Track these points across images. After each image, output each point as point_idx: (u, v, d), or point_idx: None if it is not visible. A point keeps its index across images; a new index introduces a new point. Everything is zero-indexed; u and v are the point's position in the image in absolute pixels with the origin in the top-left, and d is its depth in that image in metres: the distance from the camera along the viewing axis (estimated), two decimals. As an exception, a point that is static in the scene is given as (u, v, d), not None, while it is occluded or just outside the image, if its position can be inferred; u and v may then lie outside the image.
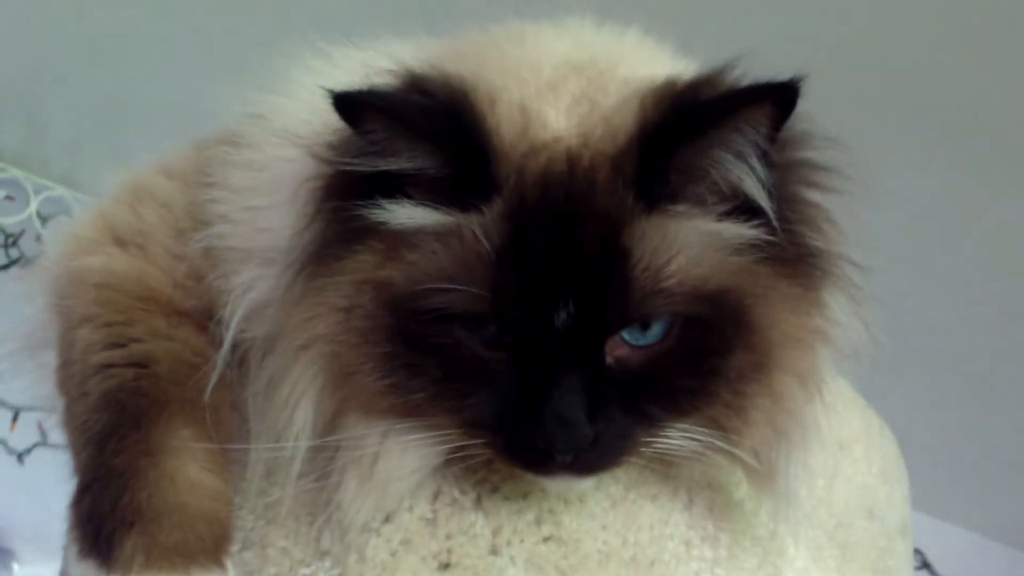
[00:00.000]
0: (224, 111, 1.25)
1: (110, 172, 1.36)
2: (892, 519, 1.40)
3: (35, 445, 3.42)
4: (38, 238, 3.33)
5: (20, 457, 3.78)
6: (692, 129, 1.02)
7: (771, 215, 1.05)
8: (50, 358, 1.25)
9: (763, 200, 1.04)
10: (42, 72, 3.08)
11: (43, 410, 1.38)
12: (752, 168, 1.03)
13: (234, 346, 1.13)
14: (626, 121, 1.05)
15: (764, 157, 1.03)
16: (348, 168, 1.05)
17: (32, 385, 1.34)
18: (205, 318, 1.18)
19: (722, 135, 1.02)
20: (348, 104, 1.01)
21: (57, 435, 1.23)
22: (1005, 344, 3.59)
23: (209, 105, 1.23)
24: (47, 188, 3.42)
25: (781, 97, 1.01)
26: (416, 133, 1.02)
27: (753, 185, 1.03)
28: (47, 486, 1.20)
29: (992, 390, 3.80)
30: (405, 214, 1.03)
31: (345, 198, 1.06)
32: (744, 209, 1.06)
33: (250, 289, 1.12)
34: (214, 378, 1.13)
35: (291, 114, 1.17)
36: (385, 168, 1.03)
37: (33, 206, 3.38)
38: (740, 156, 1.03)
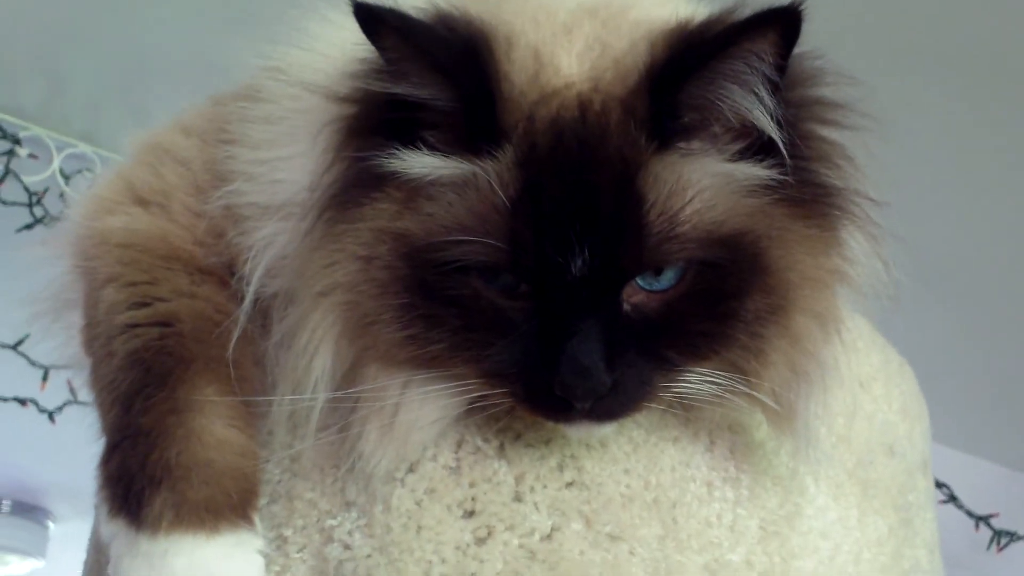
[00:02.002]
0: (241, 65, 1.26)
1: (129, 132, 1.37)
2: (912, 455, 1.41)
3: (66, 403, 3.45)
4: (62, 196, 3.33)
5: (51, 416, 3.81)
6: (698, 63, 1.02)
7: (782, 147, 1.05)
8: (76, 319, 1.27)
9: (773, 131, 1.04)
10: (62, 29, 3.07)
11: (72, 369, 1.40)
12: (760, 99, 1.03)
13: (256, 301, 1.15)
14: (636, 62, 1.05)
15: (772, 87, 1.03)
16: (365, 94, 1.07)
17: (60, 346, 1.35)
18: (227, 274, 1.19)
19: (727, 66, 1.02)
20: (368, 17, 1.02)
21: (86, 393, 1.25)
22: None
23: (227, 60, 1.24)
24: (70, 145, 3.42)
25: (784, 23, 1.00)
26: (428, 61, 1.02)
27: (762, 116, 1.03)
28: (79, 444, 1.22)
29: (1015, 321, 3.79)
30: (420, 163, 1.04)
31: (364, 142, 1.07)
32: (757, 149, 1.07)
33: (271, 244, 1.13)
34: (236, 333, 1.14)
35: (308, 65, 1.18)
36: (399, 94, 1.04)
37: (56, 164, 3.38)
38: (747, 87, 1.03)
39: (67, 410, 3.50)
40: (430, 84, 1.03)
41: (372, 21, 1.02)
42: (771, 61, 1.02)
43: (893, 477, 1.36)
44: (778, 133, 1.04)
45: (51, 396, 3.71)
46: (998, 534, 4.25)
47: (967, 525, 4.14)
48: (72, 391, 3.26)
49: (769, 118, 1.04)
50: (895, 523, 1.33)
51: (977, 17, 2.68)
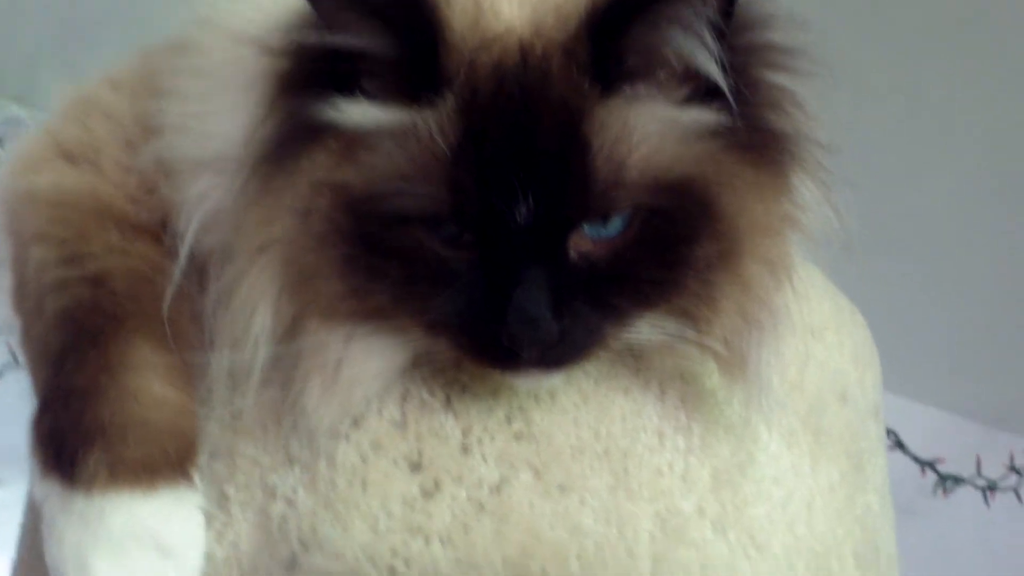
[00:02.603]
0: (173, 17, 1.22)
1: (57, 88, 1.32)
2: (864, 402, 1.40)
3: (5, 367, 3.39)
4: (-6, 158, 3.26)
5: (-9, 379, 3.75)
6: (639, 7, 0.99)
7: (728, 92, 1.02)
8: (5, 280, 1.23)
9: (718, 77, 1.02)
10: (-8, -13, 3.01)
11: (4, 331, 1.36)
12: (704, 43, 1.00)
13: (192, 258, 1.11)
14: (577, 7, 1.03)
15: (717, 32, 1.01)
16: (300, 48, 1.04)
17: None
18: (160, 231, 1.16)
19: (670, 9, 0.99)
20: None
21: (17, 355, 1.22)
22: (973, 223, 3.59)
23: (165, 15, 1.20)
24: (2, 107, 3.35)
25: None
26: (367, 8, 0.99)
27: (707, 61, 1.01)
28: (23, 407, 1.18)
29: (961, 269, 3.81)
30: (359, 112, 1.02)
31: (299, 93, 1.04)
32: (705, 93, 1.04)
33: (205, 199, 1.10)
34: (171, 291, 1.11)
35: (239, 15, 1.14)
36: (335, 44, 1.01)
37: (-11, 126, 3.32)
38: (692, 31, 1.00)
39: (8, 374, 3.44)
40: (370, 33, 1.00)
41: None
42: (716, 5, 0.99)
43: (845, 424, 1.35)
44: (723, 78, 1.02)
45: (-9, 359, 3.65)
46: (944, 479, 4.29)
47: (914, 471, 4.18)
48: (13, 354, 3.20)
49: (715, 63, 1.01)
50: (847, 469, 1.32)
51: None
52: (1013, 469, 4.35)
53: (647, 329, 1.09)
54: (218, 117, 1.11)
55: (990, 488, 4.33)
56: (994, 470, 4.38)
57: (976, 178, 3.40)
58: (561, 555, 1.10)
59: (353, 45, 1.01)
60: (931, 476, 4.21)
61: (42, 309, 1.11)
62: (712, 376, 1.20)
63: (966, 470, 4.35)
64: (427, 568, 1.09)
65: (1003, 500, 4.35)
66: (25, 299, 1.15)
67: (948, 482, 4.30)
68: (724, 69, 1.02)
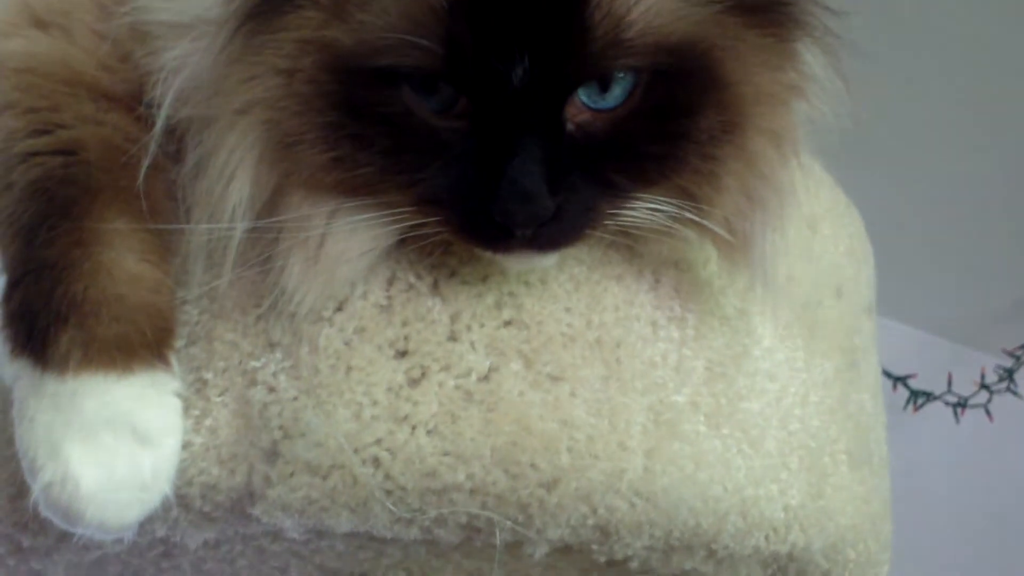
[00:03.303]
0: None
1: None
2: (859, 298, 1.38)
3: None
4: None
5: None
6: None
7: None
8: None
9: None
10: None
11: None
12: None
13: (169, 129, 1.06)
14: None
15: None
16: None
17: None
18: (135, 100, 1.10)
19: None
20: None
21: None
22: (945, 137, 3.57)
23: None
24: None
25: None
26: None
27: None
28: None
29: (935, 185, 3.79)
30: None
31: None
32: None
33: (182, 65, 1.04)
34: (146, 162, 1.05)
35: None
36: None
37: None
38: None
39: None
40: None
41: None
42: None
43: (840, 319, 1.32)
44: None
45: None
46: (915, 394, 4.31)
47: (885, 386, 4.18)
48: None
49: None
50: (841, 365, 1.30)
51: None
52: (984, 386, 4.37)
53: (645, 209, 1.05)
54: None
55: (960, 405, 4.35)
56: (965, 387, 4.41)
57: (958, 91, 3.37)
58: (552, 447, 1.07)
59: None
60: (902, 392, 4.23)
61: (11, 181, 1.06)
62: (708, 264, 1.17)
63: (937, 387, 4.37)
64: (412, 459, 1.05)
65: (973, 417, 4.38)
66: None
67: (919, 398, 4.32)
68: None
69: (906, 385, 4.25)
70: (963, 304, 4.50)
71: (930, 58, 3.15)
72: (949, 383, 4.33)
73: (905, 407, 4.27)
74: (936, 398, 4.35)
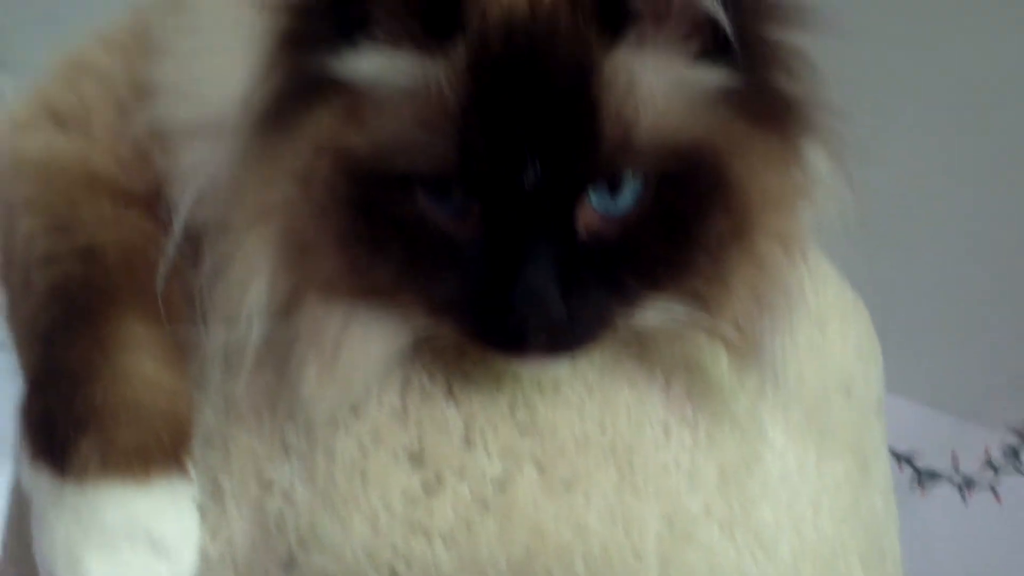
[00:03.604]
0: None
1: (47, 51, 1.27)
2: (868, 397, 1.37)
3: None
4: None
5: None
6: None
7: (734, 42, 1.00)
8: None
9: (721, 17, 0.98)
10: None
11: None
12: None
13: (186, 230, 1.07)
14: None
15: None
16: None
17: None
18: (154, 200, 1.11)
19: None
20: None
21: (4, 331, 1.17)
22: (953, 216, 3.59)
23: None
24: (-20, 74, 3.32)
25: None
26: None
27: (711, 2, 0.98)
28: (3, 388, 1.14)
29: (937, 263, 3.81)
30: (367, 63, 0.98)
31: (302, 48, 1.00)
32: (712, 54, 1.01)
33: (201, 167, 1.05)
34: (165, 266, 1.06)
35: None
36: None
37: (-34, 92, 3.27)
38: None
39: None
40: None
41: None
42: None
43: (850, 420, 1.32)
44: (725, 17, 0.98)
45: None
46: (921, 474, 4.31)
47: (891, 465, 4.18)
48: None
49: (719, 4, 0.98)
50: (852, 467, 1.29)
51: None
52: (989, 465, 4.37)
53: (656, 312, 1.05)
54: (215, 78, 1.06)
55: (967, 485, 4.35)
56: (969, 463, 4.40)
57: (964, 174, 3.39)
58: (566, 556, 1.07)
59: None
60: (908, 471, 4.22)
61: (30, 283, 1.07)
62: (718, 366, 1.16)
63: (941, 463, 4.36)
64: (429, 568, 1.05)
65: (980, 498, 4.37)
66: (12, 272, 1.11)
67: (924, 478, 4.31)
68: (730, 22, 0.99)
69: (912, 465, 4.25)
70: (966, 379, 4.50)
71: (929, 134, 3.17)
72: (955, 464, 4.32)
73: (911, 487, 4.26)
74: (942, 478, 4.34)
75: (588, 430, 1.12)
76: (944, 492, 4.32)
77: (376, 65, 0.98)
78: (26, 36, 3.15)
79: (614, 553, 1.08)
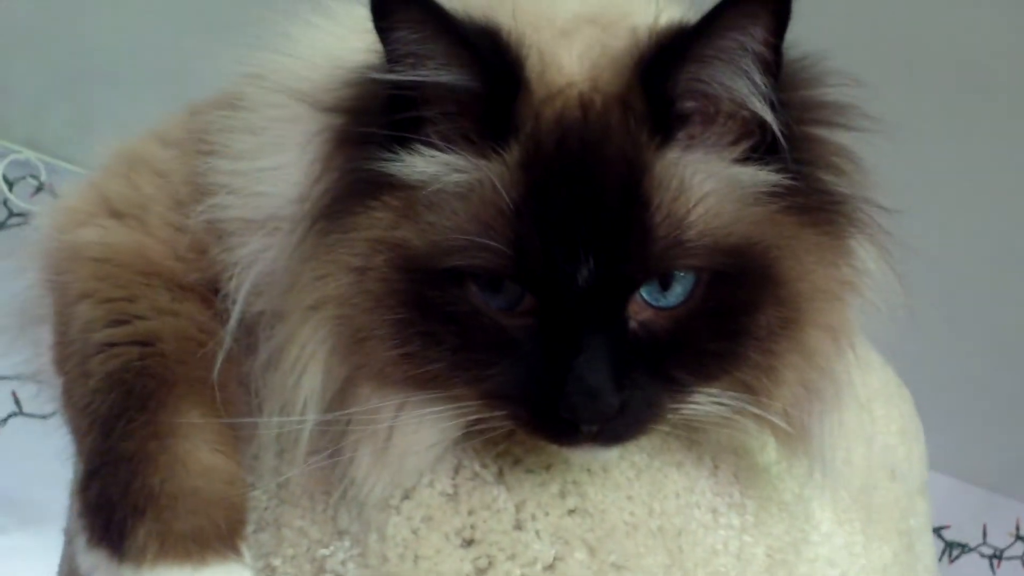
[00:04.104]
0: (218, 72, 1.20)
1: (101, 141, 1.30)
2: (912, 478, 1.38)
3: (10, 415, 3.35)
4: (5, 203, 3.27)
5: (-3, 427, 3.71)
6: (685, 46, 0.99)
7: (782, 142, 1.02)
8: (44, 335, 1.20)
9: (769, 118, 1.00)
10: (3, 33, 2.99)
11: (18, 379, 1.33)
12: (754, 81, 0.99)
13: (241, 321, 1.09)
14: (630, 58, 1.02)
15: (765, 68, 0.99)
16: (361, 97, 1.03)
17: (25, 361, 1.28)
18: (210, 292, 1.14)
19: (716, 46, 0.98)
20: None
21: (33, 405, 1.19)
22: (979, 290, 3.58)
23: (175, 64, 1.18)
24: (12, 151, 3.34)
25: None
26: (456, 37, 0.98)
27: (758, 101, 1.00)
28: (24, 455, 1.16)
29: (965, 335, 3.79)
30: (422, 163, 1.00)
31: (358, 148, 1.03)
32: (762, 153, 1.03)
33: (256, 260, 1.08)
34: (221, 355, 1.08)
35: (292, 72, 1.13)
36: (409, 81, 0.99)
37: (-1, 170, 3.31)
38: (739, 67, 0.99)
39: (11, 421, 3.41)
40: (455, 64, 0.98)
41: (391, 3, 0.97)
42: (761, 37, 0.98)
43: (896, 501, 1.32)
44: (774, 118, 1.01)
45: (-6, 407, 3.60)
46: (950, 545, 4.27)
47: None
48: (17, 402, 3.18)
49: (764, 102, 1.00)
50: (899, 548, 1.30)
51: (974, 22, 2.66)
52: (1019, 538, 4.34)
53: (705, 402, 1.06)
54: (270, 175, 1.10)
55: (996, 557, 4.31)
56: (1000, 538, 4.36)
57: (992, 241, 3.39)
58: (619, 637, 1.07)
59: (433, 80, 0.99)
60: (937, 542, 4.19)
61: (88, 370, 1.09)
62: (766, 451, 1.18)
63: (971, 536, 4.33)
64: None
65: (1009, 568, 4.33)
66: (69, 359, 1.12)
67: (954, 549, 4.28)
68: (778, 122, 1.01)
69: (941, 537, 4.21)
70: (997, 452, 4.47)
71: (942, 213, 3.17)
72: (984, 534, 4.29)
73: (940, 559, 4.22)
74: (972, 550, 4.31)
75: (637, 513, 1.13)
76: (973, 562, 4.28)
77: (430, 166, 1.00)
78: (52, 116, 3.20)
79: (666, 634, 1.08)
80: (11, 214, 3.34)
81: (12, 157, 3.37)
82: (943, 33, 2.71)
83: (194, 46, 1.16)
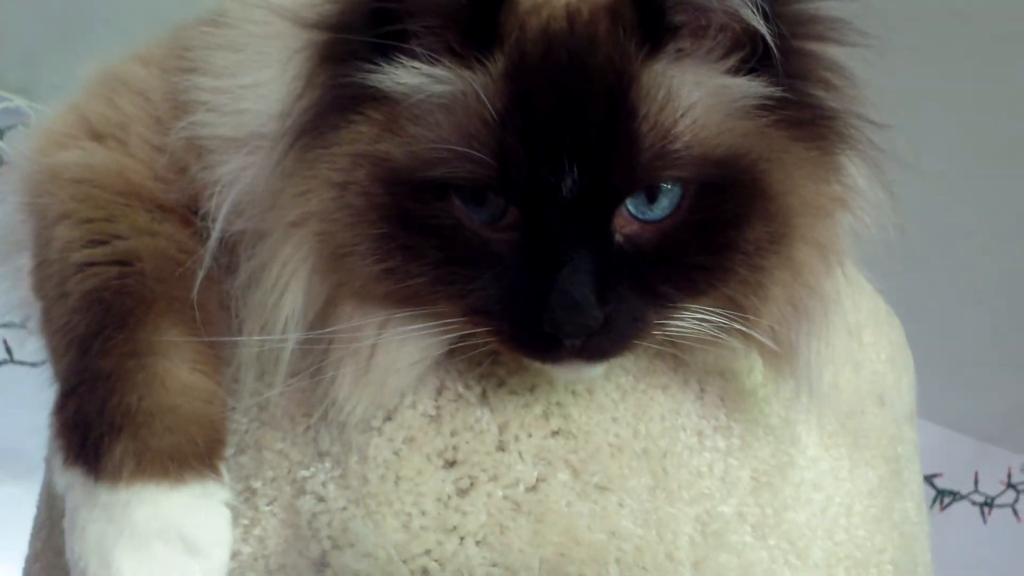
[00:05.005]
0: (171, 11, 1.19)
1: (67, 77, 1.29)
2: (901, 406, 1.37)
3: (2, 362, 3.35)
4: (-4, 150, 3.26)
5: (-14, 376, 3.70)
6: None
7: (775, 53, 1.00)
8: (25, 261, 1.19)
9: (762, 28, 0.98)
10: (-6, -20, 2.98)
11: (10, 327, 1.32)
12: None
13: (222, 240, 1.08)
14: None
15: None
16: (345, 14, 1.01)
17: (6, 291, 1.27)
18: (190, 212, 1.13)
19: None
20: None
21: (25, 352, 1.18)
22: (974, 236, 3.57)
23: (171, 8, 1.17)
24: (4, 99, 3.32)
25: None
26: None
27: (751, 11, 0.98)
28: (14, 405, 1.15)
29: (957, 283, 3.78)
30: (404, 76, 0.99)
31: (340, 63, 1.01)
32: (753, 65, 1.02)
33: (237, 178, 1.07)
34: (201, 274, 1.07)
35: None
36: None
37: (-10, 118, 3.29)
38: None
39: (2, 369, 3.40)
40: None
41: None
42: None
43: (883, 428, 1.32)
44: (766, 28, 0.99)
45: (-16, 355, 3.59)
46: (941, 493, 4.28)
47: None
48: (8, 350, 3.17)
49: (756, 12, 0.98)
50: (885, 474, 1.29)
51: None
52: (1010, 486, 4.35)
53: (691, 320, 1.05)
54: (251, 92, 1.08)
55: (987, 504, 4.33)
56: (991, 486, 4.38)
57: (986, 188, 3.37)
58: (600, 558, 1.07)
59: None
60: (928, 490, 4.20)
61: (66, 291, 1.08)
62: (752, 374, 1.17)
63: (963, 486, 4.34)
64: (461, 569, 1.05)
65: (1000, 516, 4.35)
66: (48, 280, 1.11)
67: (945, 497, 4.29)
68: (770, 33, 0.99)
69: (932, 484, 4.22)
70: (989, 402, 4.48)
71: (950, 146, 3.15)
72: (976, 482, 4.31)
73: (931, 506, 4.24)
74: (963, 497, 4.32)
75: (622, 435, 1.12)
76: (964, 510, 4.30)
77: (414, 78, 0.99)
78: (46, 63, 3.17)
79: (647, 556, 1.08)
80: (2, 162, 3.32)
81: (4, 105, 3.35)
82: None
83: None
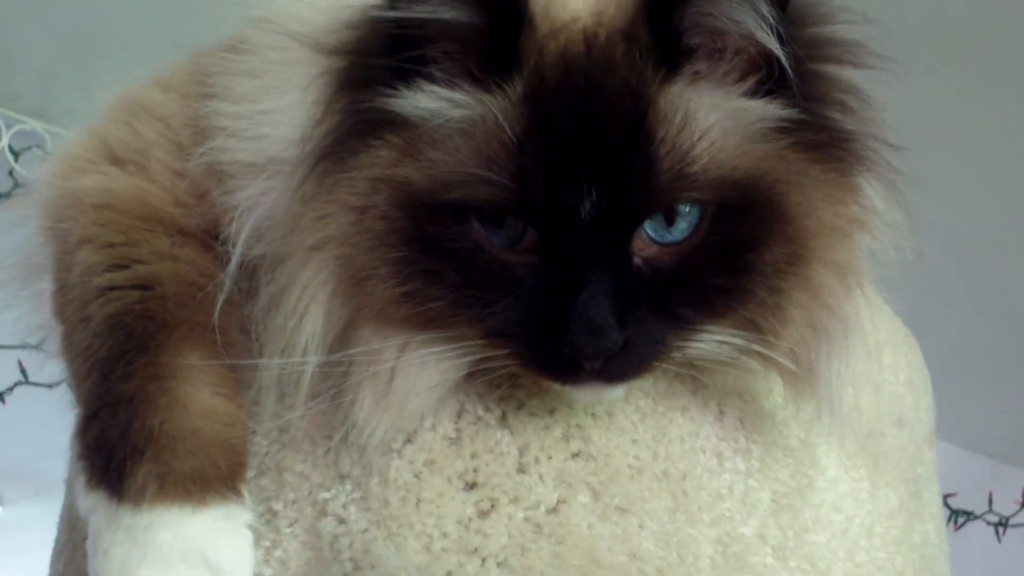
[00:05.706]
0: (223, 18, 1.20)
1: (84, 101, 1.29)
2: (920, 428, 1.37)
3: (16, 384, 3.36)
4: (11, 173, 3.27)
5: (1, 397, 3.71)
6: None
7: (791, 77, 1.00)
8: (45, 284, 1.20)
9: (778, 51, 0.99)
10: (10, 1, 2.99)
11: (24, 348, 1.33)
12: (762, 14, 0.98)
13: (242, 264, 1.09)
14: None
15: (773, 1, 0.98)
16: (365, 39, 1.02)
17: (26, 314, 1.28)
18: (210, 236, 1.13)
19: None
20: None
21: (39, 374, 1.18)
22: (988, 256, 3.57)
23: (184, 32, 1.17)
24: (19, 122, 3.34)
25: None
26: None
27: (766, 34, 0.98)
28: (29, 425, 1.15)
29: (972, 304, 3.78)
30: (425, 100, 1.00)
31: (360, 89, 1.02)
32: (770, 87, 1.02)
33: (257, 203, 1.08)
34: (222, 298, 1.08)
35: (294, 15, 1.12)
36: (411, 18, 0.98)
37: (5, 140, 3.30)
38: (747, 1, 0.97)
39: (17, 390, 3.41)
40: (455, 3, 0.97)
41: None
42: None
43: (902, 449, 1.31)
44: (782, 50, 0.99)
45: (1, 376, 3.60)
46: (955, 513, 4.28)
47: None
48: (23, 371, 3.18)
49: (772, 34, 0.99)
50: (905, 496, 1.29)
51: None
52: (1024, 505, 4.36)
53: (710, 342, 1.05)
54: (271, 118, 1.09)
55: (1002, 524, 4.33)
56: (1006, 506, 4.37)
57: (998, 208, 3.37)
58: (621, 579, 1.07)
59: (435, 18, 0.98)
60: (943, 510, 4.21)
61: (88, 315, 1.08)
62: (771, 395, 1.17)
63: (978, 505, 4.34)
64: None
65: (1014, 535, 4.34)
66: (69, 304, 1.12)
67: (960, 517, 4.28)
68: (786, 56, 1.00)
69: (947, 504, 4.22)
70: (1003, 421, 4.47)
71: (965, 169, 3.15)
72: (990, 502, 4.30)
73: (946, 525, 4.24)
74: (977, 517, 4.32)
75: (641, 457, 1.12)
76: (979, 530, 4.29)
77: (433, 102, 0.99)
78: (60, 85, 3.19)
79: (669, 577, 1.08)
80: (17, 184, 3.34)
81: (18, 127, 3.37)
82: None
83: (202, 14, 1.15)
